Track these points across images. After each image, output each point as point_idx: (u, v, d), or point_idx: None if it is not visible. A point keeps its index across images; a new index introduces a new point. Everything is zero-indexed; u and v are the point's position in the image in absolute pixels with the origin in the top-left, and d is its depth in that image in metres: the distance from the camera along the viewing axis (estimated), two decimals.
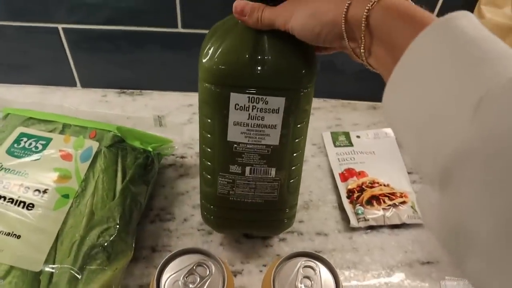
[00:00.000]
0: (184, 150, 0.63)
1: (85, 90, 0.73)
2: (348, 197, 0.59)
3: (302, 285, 0.36)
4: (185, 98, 0.73)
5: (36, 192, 0.46)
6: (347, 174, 0.61)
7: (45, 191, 0.46)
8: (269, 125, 0.42)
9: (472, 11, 0.60)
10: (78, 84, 0.73)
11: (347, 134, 0.68)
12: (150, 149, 0.54)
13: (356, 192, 0.59)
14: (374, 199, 0.58)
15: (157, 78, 0.72)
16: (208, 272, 0.36)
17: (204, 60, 0.40)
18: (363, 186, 0.59)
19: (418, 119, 0.26)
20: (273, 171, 0.46)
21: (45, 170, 0.48)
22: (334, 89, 0.74)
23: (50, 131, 0.53)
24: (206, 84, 0.41)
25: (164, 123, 0.56)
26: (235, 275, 0.50)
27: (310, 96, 0.43)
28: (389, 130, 0.68)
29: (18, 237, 0.43)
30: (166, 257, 0.37)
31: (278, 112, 0.41)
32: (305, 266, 0.38)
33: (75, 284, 0.41)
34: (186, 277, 0.36)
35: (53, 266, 0.42)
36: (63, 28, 0.65)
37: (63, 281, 0.41)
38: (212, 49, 0.39)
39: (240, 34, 0.39)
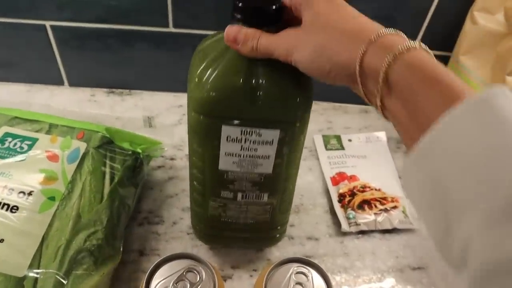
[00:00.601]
0: (174, 152, 0.62)
1: (73, 89, 0.72)
2: (339, 201, 0.58)
3: None
4: (175, 99, 0.72)
5: (21, 194, 0.44)
6: (338, 178, 0.61)
7: (30, 193, 0.45)
8: (262, 155, 0.40)
9: (465, 17, 0.60)
10: (66, 83, 0.71)
11: (338, 138, 0.67)
12: (139, 151, 0.53)
13: (347, 196, 0.58)
14: (366, 204, 0.57)
15: (147, 78, 0.71)
16: (198, 278, 0.35)
17: (193, 90, 0.37)
18: (355, 190, 0.59)
19: (442, 203, 0.23)
20: (265, 196, 0.45)
21: (31, 171, 0.47)
22: (326, 91, 0.73)
23: (36, 131, 0.51)
24: (196, 115, 0.38)
25: (153, 124, 0.55)
26: (225, 280, 0.49)
27: (305, 126, 0.41)
28: (380, 134, 0.68)
29: (1, 241, 0.41)
30: (155, 262, 0.36)
31: (272, 144, 0.39)
32: (297, 272, 0.37)
33: None
34: (176, 283, 0.35)
35: (38, 271, 0.41)
36: (51, 26, 0.63)
37: (48, 286, 0.40)
38: (201, 78, 0.36)
39: (232, 61, 0.36)
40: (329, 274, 0.38)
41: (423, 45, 0.28)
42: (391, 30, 0.29)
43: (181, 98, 0.72)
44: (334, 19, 0.31)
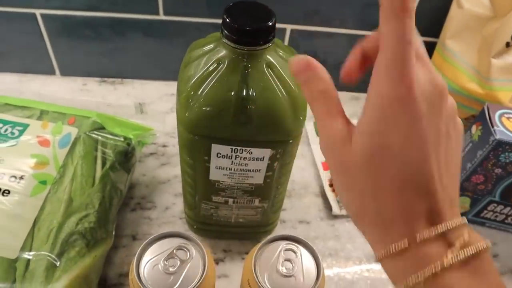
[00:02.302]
0: (166, 139, 0.63)
1: (65, 78, 0.72)
2: (330, 185, 0.59)
3: (284, 268, 0.36)
4: (167, 87, 0.72)
5: (12, 178, 0.45)
6: None
7: (21, 177, 0.45)
8: (253, 169, 0.40)
9: (451, 2, 0.60)
10: (57, 72, 0.71)
11: None
12: (131, 137, 0.53)
13: None
14: None
15: (139, 67, 0.71)
16: (188, 256, 0.36)
17: (183, 108, 0.36)
18: None
19: None
20: (256, 201, 0.45)
21: (22, 156, 0.47)
22: None
23: (28, 117, 0.51)
24: (186, 133, 0.38)
25: (145, 110, 0.55)
26: (217, 263, 0.50)
27: (298, 141, 0.40)
28: None
29: None
30: (146, 240, 0.37)
31: (262, 160, 0.39)
32: (286, 249, 0.38)
33: (52, 271, 0.40)
34: (166, 261, 0.35)
35: (30, 253, 0.41)
36: (41, 14, 0.63)
37: (40, 268, 0.40)
38: (191, 98, 0.35)
39: (223, 81, 0.34)
40: (317, 251, 0.38)
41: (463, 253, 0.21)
42: (448, 225, 0.22)
43: (173, 87, 0.71)
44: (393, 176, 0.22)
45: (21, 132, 0.49)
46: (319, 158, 0.62)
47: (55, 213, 0.44)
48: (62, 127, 0.50)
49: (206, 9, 0.63)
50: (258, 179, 0.41)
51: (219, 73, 0.34)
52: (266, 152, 0.38)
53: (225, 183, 0.42)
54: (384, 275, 0.25)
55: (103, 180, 0.48)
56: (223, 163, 0.39)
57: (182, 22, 0.64)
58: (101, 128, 0.52)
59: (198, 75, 0.35)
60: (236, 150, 0.38)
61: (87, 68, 0.71)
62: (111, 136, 0.52)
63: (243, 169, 0.40)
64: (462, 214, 0.56)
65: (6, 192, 0.44)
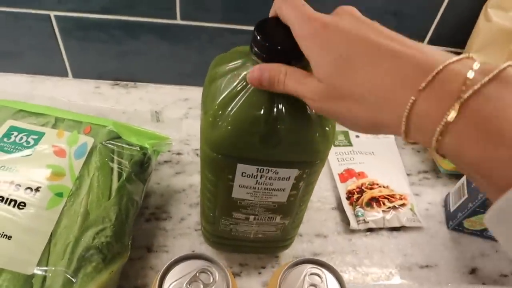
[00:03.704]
0: (181, 146, 0.62)
1: (77, 80, 0.71)
2: (347, 198, 0.58)
3: None
4: (181, 92, 0.70)
5: (28, 190, 0.44)
6: (346, 175, 0.60)
7: (37, 189, 0.44)
8: (278, 188, 0.39)
9: (478, 12, 0.59)
10: (70, 74, 0.70)
11: (346, 134, 0.66)
12: (147, 146, 0.52)
13: (355, 193, 0.58)
14: (374, 201, 0.57)
15: (153, 71, 0.70)
16: (211, 279, 0.35)
17: (208, 127, 0.35)
18: (363, 188, 0.58)
19: None
20: (278, 218, 0.44)
21: (38, 166, 0.46)
22: None
23: (42, 125, 0.50)
24: (210, 152, 0.36)
25: (161, 119, 0.54)
26: None
27: (325, 161, 0.39)
28: None
29: (9, 237, 0.41)
30: (168, 262, 0.36)
31: (288, 180, 0.38)
32: (311, 274, 0.37)
33: None
34: (189, 284, 0.35)
35: (46, 268, 0.40)
36: (55, 16, 0.62)
37: (56, 285, 0.39)
38: (217, 117, 0.34)
39: (251, 102, 0.33)
40: (342, 276, 0.37)
41: (480, 85, 0.21)
42: (446, 59, 0.23)
43: (187, 91, 0.71)
44: (363, 76, 0.25)
45: (37, 141, 0.48)
46: (336, 169, 0.61)
47: (72, 227, 0.43)
48: (78, 136, 0.49)
49: (223, 15, 0.61)
50: (282, 198, 0.40)
51: (248, 92, 0.33)
52: (293, 173, 0.37)
53: (248, 201, 0.41)
54: None
55: (119, 192, 0.47)
56: (248, 182, 0.38)
57: (198, 27, 0.63)
58: (117, 137, 0.51)
59: (225, 93, 0.34)
60: (262, 170, 0.37)
61: (100, 70, 0.70)
62: (127, 146, 0.51)
63: (267, 188, 0.39)
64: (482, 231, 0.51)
65: (21, 205, 0.43)
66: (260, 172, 0.37)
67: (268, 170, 0.37)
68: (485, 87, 0.21)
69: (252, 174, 0.37)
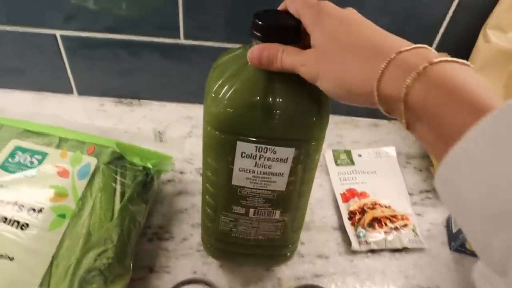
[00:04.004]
0: (183, 165, 0.62)
1: (82, 98, 0.71)
2: (349, 218, 0.58)
3: None
4: (185, 110, 0.71)
5: (31, 211, 0.44)
6: (348, 195, 0.60)
7: (40, 210, 0.44)
8: (276, 173, 0.40)
9: (478, 32, 0.59)
10: (75, 91, 0.71)
11: (348, 153, 0.67)
12: (150, 166, 0.52)
13: (357, 213, 0.58)
14: (376, 222, 0.57)
15: (157, 88, 0.70)
16: None
17: (210, 105, 0.37)
18: (365, 208, 0.58)
19: (482, 214, 0.23)
20: (277, 213, 0.44)
21: (41, 187, 0.46)
22: (336, 105, 0.72)
23: (46, 145, 0.51)
24: (212, 130, 0.38)
25: (164, 139, 0.54)
26: None
27: (321, 144, 0.40)
28: (390, 149, 0.68)
29: (11, 259, 0.41)
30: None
31: (286, 162, 0.39)
32: None
33: None
34: None
35: None
36: (61, 35, 0.63)
37: None
38: (219, 93, 0.36)
39: (250, 79, 0.36)
40: None
41: (444, 56, 0.26)
42: (408, 46, 0.27)
43: (191, 109, 0.71)
44: (347, 42, 0.30)
45: (40, 162, 0.48)
46: (338, 189, 0.61)
47: (74, 248, 0.43)
48: (81, 156, 0.50)
49: (226, 34, 0.62)
50: (280, 184, 0.41)
51: (248, 70, 0.36)
52: (290, 153, 0.38)
53: (247, 189, 0.42)
54: None
55: (121, 213, 0.47)
56: (247, 164, 0.39)
57: (201, 46, 0.63)
58: (120, 157, 0.51)
59: (227, 74, 0.36)
60: (260, 148, 0.38)
61: (104, 88, 0.70)
62: (130, 166, 0.51)
63: (266, 172, 0.40)
64: None
65: (24, 226, 0.43)
66: (258, 151, 0.38)
67: (266, 149, 0.38)
68: (439, 63, 0.26)
69: (251, 154, 0.38)
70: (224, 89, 0.36)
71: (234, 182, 0.41)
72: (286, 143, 0.38)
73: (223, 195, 0.43)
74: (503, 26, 0.56)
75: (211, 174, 0.42)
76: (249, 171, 0.40)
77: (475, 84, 0.24)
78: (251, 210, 0.44)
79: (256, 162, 0.39)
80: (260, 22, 0.34)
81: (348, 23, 0.31)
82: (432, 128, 0.26)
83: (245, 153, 0.38)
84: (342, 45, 0.30)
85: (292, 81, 0.35)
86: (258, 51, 0.34)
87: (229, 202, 0.43)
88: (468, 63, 0.26)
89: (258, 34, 0.34)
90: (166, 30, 0.62)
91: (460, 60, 0.26)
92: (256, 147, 0.38)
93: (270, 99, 0.35)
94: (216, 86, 0.36)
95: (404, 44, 0.28)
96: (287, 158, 0.39)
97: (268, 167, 0.39)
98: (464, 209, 0.24)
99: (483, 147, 0.22)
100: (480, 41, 0.58)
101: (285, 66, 0.33)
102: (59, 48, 0.65)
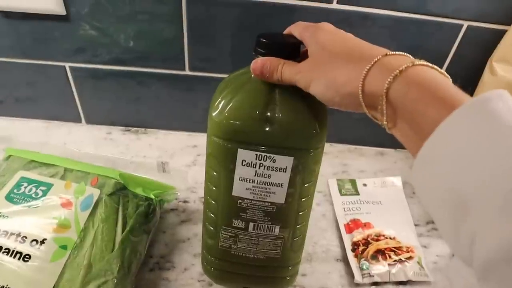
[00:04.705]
0: (187, 194, 0.62)
1: (90, 126, 0.73)
2: (353, 250, 0.57)
3: None
4: (190, 139, 0.72)
5: (34, 243, 0.45)
6: (352, 225, 0.60)
7: (42, 242, 0.45)
8: (275, 183, 0.41)
9: (484, 63, 0.59)
10: (83, 120, 0.73)
11: (353, 182, 0.66)
12: (153, 196, 0.53)
13: (361, 245, 0.57)
14: (380, 254, 0.56)
15: (163, 117, 0.71)
16: None
17: (214, 114, 0.39)
18: (369, 239, 0.58)
19: (449, 205, 0.25)
20: (277, 229, 0.45)
21: (44, 218, 0.47)
22: (341, 133, 0.73)
23: (52, 176, 0.52)
24: (214, 138, 0.40)
25: (167, 170, 0.55)
26: None
27: (319, 156, 0.42)
28: (396, 179, 0.67)
29: None
30: None
31: (285, 171, 0.41)
32: None
33: None
34: None
35: None
36: (70, 67, 0.65)
37: None
38: (222, 103, 0.39)
39: (252, 90, 0.39)
40: None
41: (425, 62, 0.29)
42: (394, 52, 0.30)
43: (196, 138, 0.72)
44: (338, 50, 0.33)
45: (45, 193, 0.49)
46: (342, 219, 0.61)
47: (74, 280, 0.44)
48: (85, 188, 0.50)
49: (230, 66, 0.63)
50: (280, 196, 0.42)
51: (251, 83, 0.39)
52: (289, 162, 0.40)
53: (247, 200, 0.43)
54: None
55: (123, 244, 0.47)
56: (247, 173, 0.41)
57: (205, 77, 0.65)
58: (123, 188, 0.52)
59: (231, 87, 0.39)
60: (260, 156, 0.40)
61: (112, 117, 0.72)
62: (132, 197, 0.52)
63: (265, 182, 0.41)
64: None
65: (26, 257, 0.44)
66: (258, 159, 0.40)
67: (266, 156, 0.40)
68: (420, 66, 0.29)
69: (251, 162, 0.40)
70: (228, 99, 0.39)
71: (235, 192, 0.42)
72: (285, 151, 0.40)
73: (223, 207, 0.44)
74: (509, 58, 0.56)
75: (212, 185, 0.43)
76: (249, 180, 0.41)
77: (451, 86, 0.27)
78: (251, 225, 0.44)
79: (256, 171, 0.41)
80: (264, 40, 0.38)
81: (341, 36, 0.35)
82: (411, 124, 0.28)
83: (245, 161, 0.40)
84: (333, 52, 0.33)
85: (293, 94, 0.38)
86: (261, 62, 0.37)
87: (229, 215, 0.44)
88: (447, 74, 0.29)
89: (262, 51, 0.38)
90: (172, 62, 0.63)
91: (439, 69, 0.29)
92: (256, 155, 0.40)
93: (271, 109, 0.38)
94: (221, 97, 0.39)
95: (390, 51, 0.31)
96: (286, 167, 0.40)
97: (268, 176, 0.41)
98: (435, 200, 0.26)
99: (451, 140, 0.24)
100: (486, 74, 0.58)
101: (284, 76, 0.36)
102: (68, 79, 0.66)
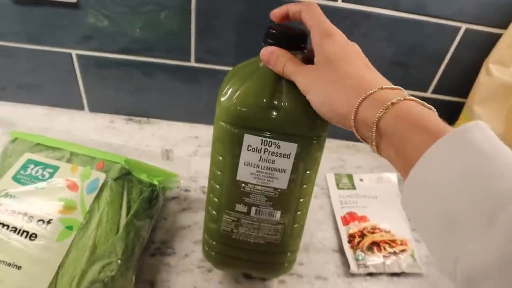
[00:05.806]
0: (189, 183, 0.64)
1: (93, 114, 0.74)
2: (349, 241, 0.59)
3: None
4: (192, 130, 0.73)
5: (40, 222, 0.46)
6: (349, 218, 0.62)
7: (49, 222, 0.46)
8: (279, 168, 0.43)
9: (480, 65, 0.61)
10: (86, 108, 0.73)
11: (350, 177, 0.68)
12: (156, 183, 0.54)
13: (357, 237, 0.59)
14: (375, 245, 0.58)
15: (166, 108, 0.72)
16: None
17: (222, 100, 0.41)
18: (365, 232, 0.59)
19: (435, 226, 0.27)
20: (278, 214, 0.46)
21: (51, 199, 0.48)
22: (339, 129, 0.74)
23: (58, 159, 0.53)
24: (222, 123, 0.42)
25: (171, 157, 0.56)
26: None
27: (322, 144, 0.43)
28: (392, 175, 0.69)
29: (19, 268, 0.42)
30: None
31: (289, 157, 0.42)
32: None
33: None
34: None
35: None
36: (76, 54, 0.66)
37: None
38: (231, 90, 0.41)
39: (260, 78, 0.41)
40: None
41: (415, 98, 0.32)
42: (390, 85, 0.33)
43: (198, 129, 0.73)
44: (342, 70, 0.35)
45: (51, 175, 0.50)
46: (339, 212, 0.63)
47: (79, 259, 0.44)
48: (91, 171, 0.51)
49: (234, 59, 0.65)
50: (282, 182, 0.44)
51: (259, 72, 0.41)
52: (293, 148, 0.41)
53: (251, 185, 0.44)
54: None
55: (127, 227, 0.48)
56: (252, 158, 0.42)
57: (210, 70, 0.66)
58: (128, 173, 0.53)
59: (239, 75, 0.41)
60: (265, 142, 0.41)
61: (115, 106, 0.73)
62: (137, 182, 0.53)
63: (269, 167, 0.43)
64: None
65: (33, 236, 0.45)
66: (263, 144, 0.41)
67: (271, 142, 0.41)
68: (410, 101, 0.32)
69: (257, 147, 0.42)
70: (236, 86, 0.41)
71: (239, 177, 0.44)
72: (290, 138, 0.41)
73: (227, 191, 0.45)
74: (505, 60, 0.58)
75: (217, 169, 0.45)
76: (254, 165, 0.43)
77: (437, 118, 0.30)
78: (253, 209, 0.46)
79: (260, 156, 0.42)
80: (273, 31, 0.40)
81: (348, 54, 0.36)
82: (398, 150, 0.30)
83: (251, 146, 0.42)
84: (336, 70, 0.35)
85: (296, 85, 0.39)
86: (270, 49, 0.39)
87: (232, 200, 0.45)
88: (433, 108, 0.32)
89: (270, 41, 0.40)
90: (178, 53, 0.65)
91: (426, 104, 0.32)
92: (262, 140, 0.41)
93: (277, 97, 0.40)
94: (230, 84, 0.41)
95: (386, 83, 0.34)
96: (290, 153, 0.42)
97: (272, 162, 0.42)
98: (422, 221, 0.29)
99: (435, 166, 0.27)
100: (482, 75, 0.60)
101: (286, 72, 0.38)
102: (74, 66, 0.67)
